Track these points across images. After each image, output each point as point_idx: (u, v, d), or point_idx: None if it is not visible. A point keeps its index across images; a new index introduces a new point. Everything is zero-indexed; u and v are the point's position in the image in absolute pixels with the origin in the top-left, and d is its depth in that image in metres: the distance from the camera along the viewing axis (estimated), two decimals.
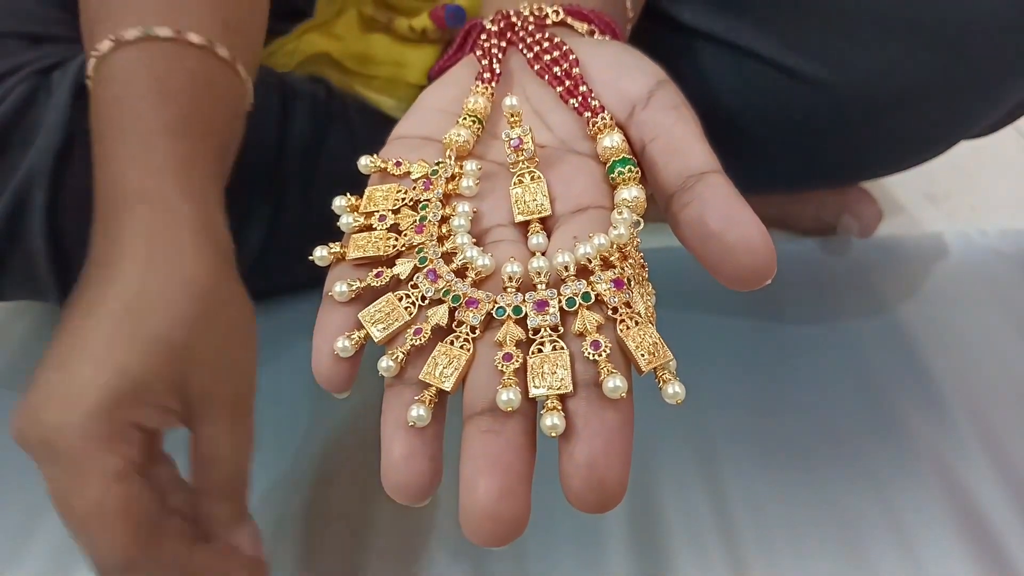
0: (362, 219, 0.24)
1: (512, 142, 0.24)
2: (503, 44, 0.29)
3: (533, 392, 0.19)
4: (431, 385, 0.20)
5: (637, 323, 0.20)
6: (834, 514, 0.42)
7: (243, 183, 0.47)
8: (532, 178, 0.24)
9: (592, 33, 0.30)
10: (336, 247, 0.24)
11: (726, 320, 0.54)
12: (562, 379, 0.19)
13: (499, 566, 0.40)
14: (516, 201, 0.23)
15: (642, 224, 0.23)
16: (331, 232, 0.25)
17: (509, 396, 0.19)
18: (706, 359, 0.51)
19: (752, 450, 0.46)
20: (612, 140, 0.24)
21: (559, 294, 0.21)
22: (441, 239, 0.23)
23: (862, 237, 0.61)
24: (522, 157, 0.24)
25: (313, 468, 0.45)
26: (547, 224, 0.24)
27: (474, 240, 0.23)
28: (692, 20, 0.46)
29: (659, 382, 0.20)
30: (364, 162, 0.25)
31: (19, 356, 0.53)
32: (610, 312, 0.21)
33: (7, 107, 0.41)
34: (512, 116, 0.24)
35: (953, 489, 0.43)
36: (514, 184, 0.24)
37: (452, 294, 0.22)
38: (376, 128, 0.33)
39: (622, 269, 0.21)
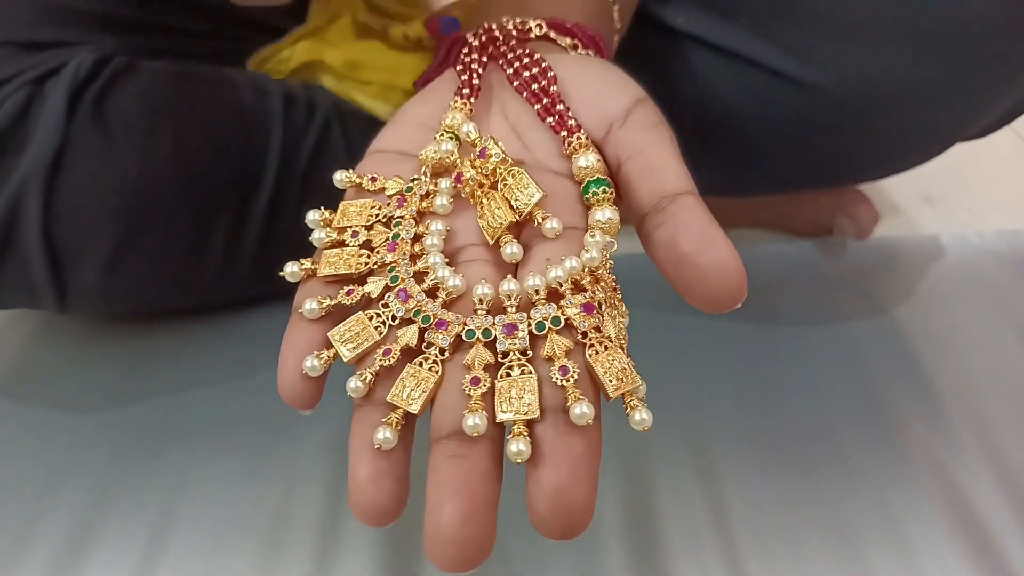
0: (335, 234, 0.24)
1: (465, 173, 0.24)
2: (484, 59, 0.29)
3: (500, 417, 0.19)
4: (398, 407, 0.20)
5: (607, 348, 0.20)
6: (831, 517, 0.42)
7: (240, 187, 0.47)
8: (488, 199, 0.23)
9: (575, 47, 0.30)
10: (307, 263, 0.24)
11: (722, 322, 0.54)
12: (529, 404, 0.19)
13: (495, 570, 0.40)
14: (483, 227, 0.23)
15: (615, 245, 0.22)
16: None
17: (475, 421, 0.19)
18: (702, 361, 0.51)
19: (749, 453, 0.46)
20: (587, 160, 0.24)
21: (529, 318, 0.21)
22: (414, 257, 0.23)
23: (858, 239, 0.61)
24: (468, 189, 0.24)
25: (317, 466, 0.45)
26: (519, 229, 0.23)
27: (446, 260, 0.23)
28: (685, 25, 0.46)
29: (627, 408, 0.20)
30: (339, 176, 0.25)
31: (19, 364, 0.53)
32: (580, 336, 0.21)
33: (2, 115, 0.41)
34: (473, 145, 0.24)
35: (950, 491, 0.43)
36: (479, 214, 0.24)
37: (422, 314, 0.22)
38: (370, 134, 0.33)
39: (593, 293, 0.21)
